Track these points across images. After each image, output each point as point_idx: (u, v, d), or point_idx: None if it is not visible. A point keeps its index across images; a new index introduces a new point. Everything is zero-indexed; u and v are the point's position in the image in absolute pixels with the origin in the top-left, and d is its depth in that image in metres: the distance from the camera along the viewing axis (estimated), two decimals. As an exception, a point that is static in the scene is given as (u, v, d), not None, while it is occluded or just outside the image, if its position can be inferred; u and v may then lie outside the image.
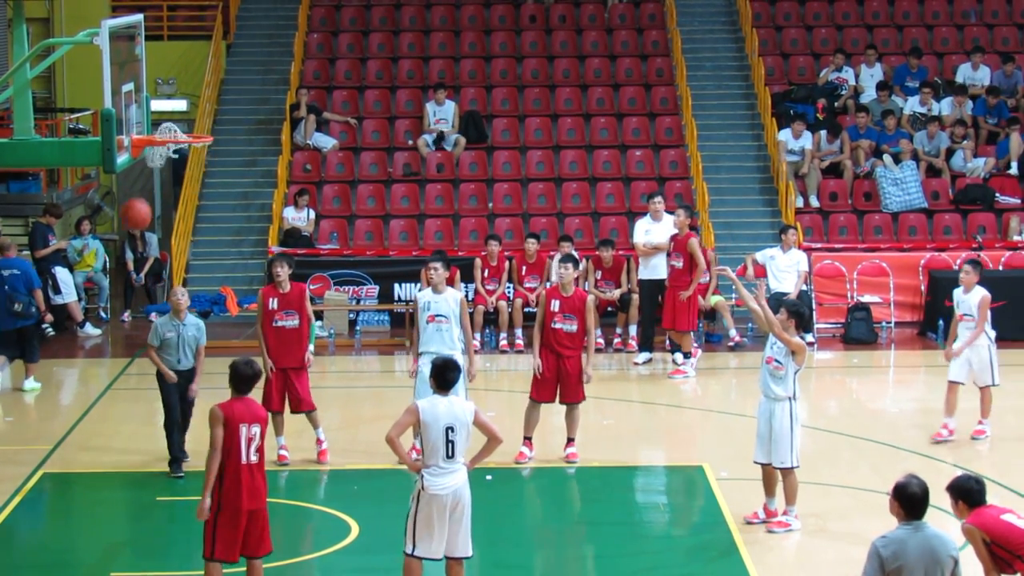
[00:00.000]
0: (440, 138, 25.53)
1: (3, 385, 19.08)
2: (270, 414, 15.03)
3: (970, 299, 16.20)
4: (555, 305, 15.17)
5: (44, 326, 20.82)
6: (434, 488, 10.55)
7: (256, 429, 10.72)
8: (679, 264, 19.69)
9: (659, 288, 20.29)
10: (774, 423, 13.13)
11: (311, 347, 15.32)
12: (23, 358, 19.07)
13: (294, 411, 15.35)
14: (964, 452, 15.76)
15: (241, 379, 10.87)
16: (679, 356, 20.15)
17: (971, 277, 16.19)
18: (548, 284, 21.35)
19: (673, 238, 19.88)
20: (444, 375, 10.69)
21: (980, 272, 16.31)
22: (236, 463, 10.66)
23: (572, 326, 15.15)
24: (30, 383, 19.05)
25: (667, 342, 20.60)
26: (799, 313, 13.20)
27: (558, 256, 21.64)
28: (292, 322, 15.15)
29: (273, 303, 15.17)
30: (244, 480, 10.67)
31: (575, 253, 20.63)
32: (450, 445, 10.55)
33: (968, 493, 9.28)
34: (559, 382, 15.25)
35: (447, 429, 10.54)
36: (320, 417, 15.53)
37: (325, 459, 15.45)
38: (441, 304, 14.73)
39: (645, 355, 20.51)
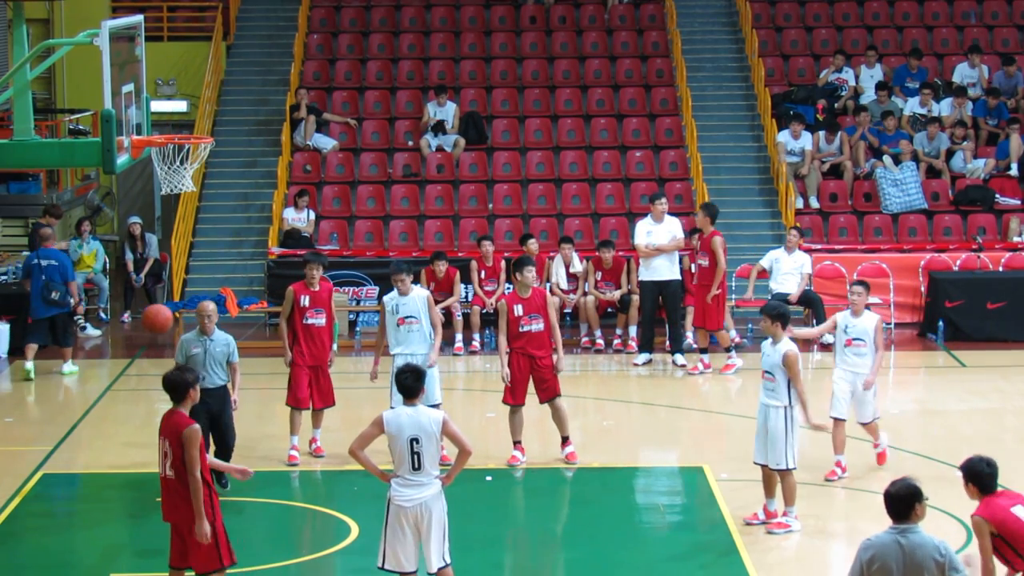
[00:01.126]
0: (439, 127, 25.48)
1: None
2: (290, 409, 15.30)
3: (863, 323, 14.79)
4: (519, 310, 15.20)
5: (77, 317, 22.04)
6: (399, 499, 10.50)
7: (167, 444, 10.41)
8: (706, 263, 19.75)
9: (660, 289, 20.30)
10: (770, 425, 13.15)
11: (335, 347, 15.53)
12: (57, 343, 20.01)
13: (317, 407, 15.49)
14: (964, 454, 15.71)
15: (167, 388, 10.64)
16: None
17: (862, 299, 14.81)
18: (548, 284, 21.37)
19: (699, 237, 19.97)
20: (403, 382, 10.60)
21: (869, 294, 15.13)
22: (161, 474, 10.57)
23: (539, 325, 15.20)
24: (68, 367, 19.98)
25: (667, 343, 20.61)
26: (781, 315, 13.19)
27: (556, 257, 21.71)
28: (320, 320, 15.44)
29: (305, 300, 15.40)
30: (164, 493, 10.56)
31: (570, 256, 20.79)
32: (415, 457, 10.44)
33: (979, 476, 9.26)
34: (533, 383, 15.29)
35: (411, 441, 10.43)
36: (322, 420, 15.70)
37: (322, 452, 15.65)
38: (409, 305, 15.09)
39: (645, 356, 20.49)
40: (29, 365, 19.71)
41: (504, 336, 15.27)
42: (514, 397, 15.32)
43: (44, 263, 19.90)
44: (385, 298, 15.36)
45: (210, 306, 14.23)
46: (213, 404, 13.95)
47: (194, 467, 10.36)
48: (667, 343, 20.60)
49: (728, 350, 19.92)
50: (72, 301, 20.18)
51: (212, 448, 14.07)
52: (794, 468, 13.15)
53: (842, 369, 14.87)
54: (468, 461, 10.80)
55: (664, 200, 20.56)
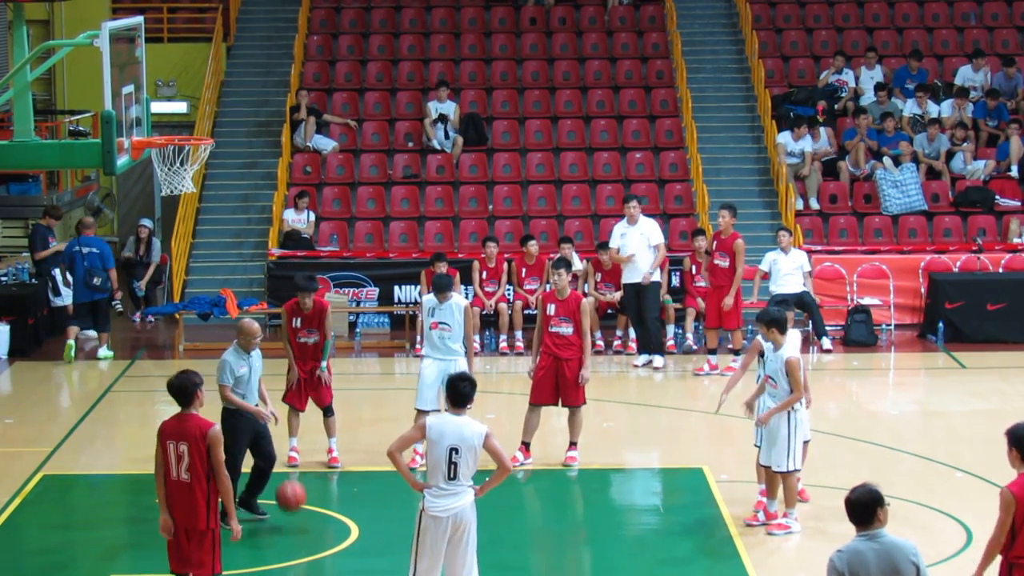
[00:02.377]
0: (442, 119, 25.48)
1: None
2: (288, 408, 15.21)
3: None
4: (551, 309, 15.25)
5: (114, 303, 23.14)
6: (433, 510, 10.31)
7: (184, 447, 10.26)
8: (725, 264, 19.74)
9: (640, 290, 20.25)
10: (772, 428, 13.13)
11: (323, 363, 15.26)
12: (96, 328, 21.30)
13: (320, 406, 15.35)
14: (964, 456, 15.76)
15: (173, 393, 10.51)
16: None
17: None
18: (548, 287, 21.34)
19: (716, 236, 20.03)
20: (459, 390, 10.38)
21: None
22: (168, 479, 10.40)
23: (568, 328, 15.19)
24: (103, 351, 21.13)
25: (665, 342, 20.63)
26: (772, 320, 13.13)
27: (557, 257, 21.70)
28: (313, 339, 15.33)
29: (296, 322, 15.33)
30: (173, 497, 10.40)
31: (570, 256, 20.81)
32: (452, 467, 10.26)
33: (1023, 443, 9.24)
34: (557, 385, 15.28)
35: (451, 450, 10.25)
36: (336, 426, 15.48)
37: (337, 463, 15.52)
38: (445, 311, 15.07)
39: (645, 357, 20.49)
40: (71, 341, 20.83)
41: (538, 331, 15.35)
42: (535, 396, 15.35)
43: (86, 250, 21.05)
44: (424, 298, 15.44)
45: (255, 326, 13.59)
46: (258, 424, 13.44)
47: (221, 468, 10.33)
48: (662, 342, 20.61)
49: (736, 353, 19.89)
50: (112, 287, 21.33)
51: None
52: (795, 471, 13.15)
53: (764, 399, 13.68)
54: (504, 479, 10.61)
55: (635, 203, 20.51)
